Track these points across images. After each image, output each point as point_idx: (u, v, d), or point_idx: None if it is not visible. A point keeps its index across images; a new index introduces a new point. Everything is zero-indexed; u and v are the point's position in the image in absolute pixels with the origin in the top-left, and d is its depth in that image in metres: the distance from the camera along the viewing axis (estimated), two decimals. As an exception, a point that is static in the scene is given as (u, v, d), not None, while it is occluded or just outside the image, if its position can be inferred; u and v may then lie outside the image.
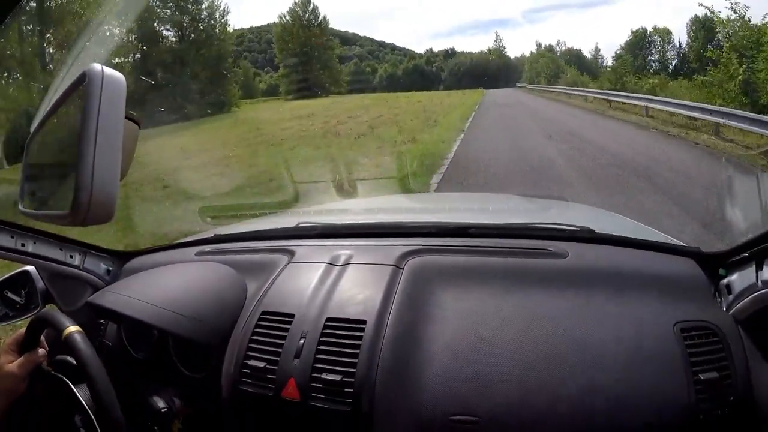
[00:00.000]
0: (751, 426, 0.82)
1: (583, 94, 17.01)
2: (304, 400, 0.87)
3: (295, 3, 27.59)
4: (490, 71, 33.35)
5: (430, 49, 36.96)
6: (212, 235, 1.45)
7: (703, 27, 22.57)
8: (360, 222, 1.45)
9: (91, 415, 0.83)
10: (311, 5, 27.59)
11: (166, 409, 0.96)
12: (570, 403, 0.81)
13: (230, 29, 23.69)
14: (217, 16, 22.68)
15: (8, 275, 1.35)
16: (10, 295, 1.34)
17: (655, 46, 25.05)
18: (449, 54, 35.87)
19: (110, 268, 1.38)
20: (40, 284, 1.32)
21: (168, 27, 21.27)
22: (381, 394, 0.85)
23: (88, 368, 0.81)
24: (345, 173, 6.88)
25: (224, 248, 1.34)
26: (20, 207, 0.74)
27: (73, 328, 0.85)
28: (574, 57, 29.24)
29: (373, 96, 26.23)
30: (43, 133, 0.73)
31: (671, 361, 0.83)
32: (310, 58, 27.75)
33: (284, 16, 28.13)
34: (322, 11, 28.76)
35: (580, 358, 0.84)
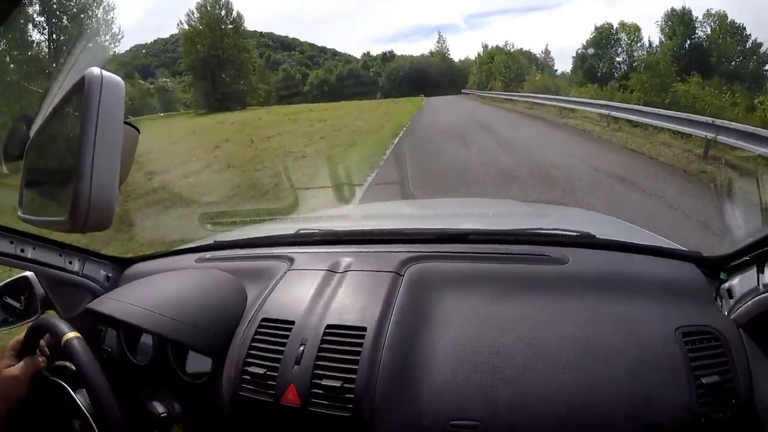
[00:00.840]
0: (752, 429, 0.82)
1: (613, 113, 8.86)
2: (305, 406, 0.87)
3: (204, -4, 23.54)
4: (432, 76, 30.29)
5: (368, 52, 33.87)
6: (212, 242, 1.45)
7: (682, 22, 19.42)
8: (360, 228, 1.45)
9: (90, 419, 0.82)
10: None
11: (165, 415, 0.96)
12: (571, 407, 0.80)
13: (117, 29, 18.09)
14: (99, 13, 17.26)
15: (7, 281, 1.35)
16: (9, 300, 1.34)
17: (620, 45, 21.89)
18: (387, 57, 32.78)
19: (110, 275, 1.38)
20: (39, 290, 1.32)
21: (31, 26, 15.36)
22: (381, 400, 0.85)
23: (86, 374, 0.80)
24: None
25: (224, 255, 1.34)
26: (19, 213, 0.74)
27: (71, 334, 0.85)
28: (526, 58, 25.80)
29: (284, 110, 20.98)
30: (43, 138, 0.73)
31: (673, 365, 0.83)
32: (222, 62, 23.52)
33: (192, 14, 23.90)
34: (236, 6, 24.72)
35: (581, 362, 0.84)
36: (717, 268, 0.99)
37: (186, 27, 23.93)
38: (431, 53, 32.84)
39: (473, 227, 1.25)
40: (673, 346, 0.85)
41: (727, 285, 0.95)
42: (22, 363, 0.89)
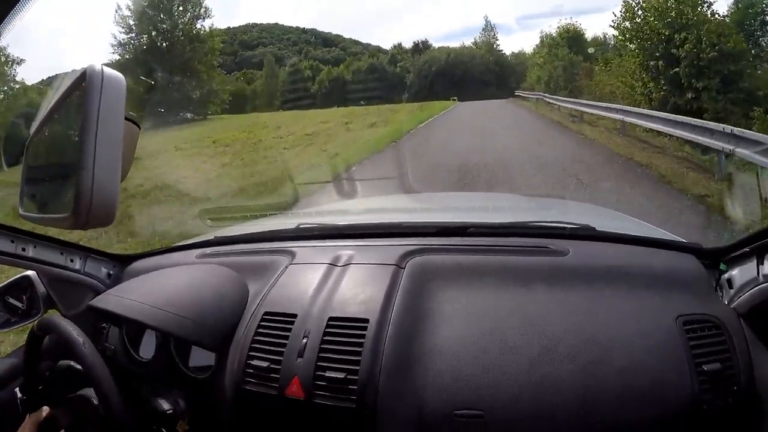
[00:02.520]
0: (753, 416, 0.83)
1: None
2: (309, 398, 0.87)
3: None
4: (474, 72, 23.05)
5: (399, 44, 26.78)
6: (213, 238, 1.45)
7: None
8: (360, 222, 1.45)
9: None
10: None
11: (171, 411, 0.96)
12: (573, 396, 0.81)
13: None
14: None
15: (9, 281, 1.35)
16: (11, 300, 1.34)
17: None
18: (420, 48, 25.45)
19: (111, 272, 1.38)
20: (41, 289, 1.32)
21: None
22: (385, 391, 0.85)
23: (93, 372, 0.81)
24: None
25: (225, 250, 1.34)
26: (20, 211, 0.74)
27: (75, 333, 0.85)
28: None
29: (251, 122, 15.76)
30: (43, 135, 0.72)
31: (674, 353, 0.84)
32: (171, 60, 17.11)
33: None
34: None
35: (582, 353, 0.84)
36: (716, 259, 1.00)
37: (127, 13, 17.28)
38: (475, 44, 24.88)
39: (474, 220, 1.25)
40: (674, 334, 0.86)
41: (726, 275, 0.96)
42: (26, 420, 0.89)
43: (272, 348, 0.96)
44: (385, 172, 6.62)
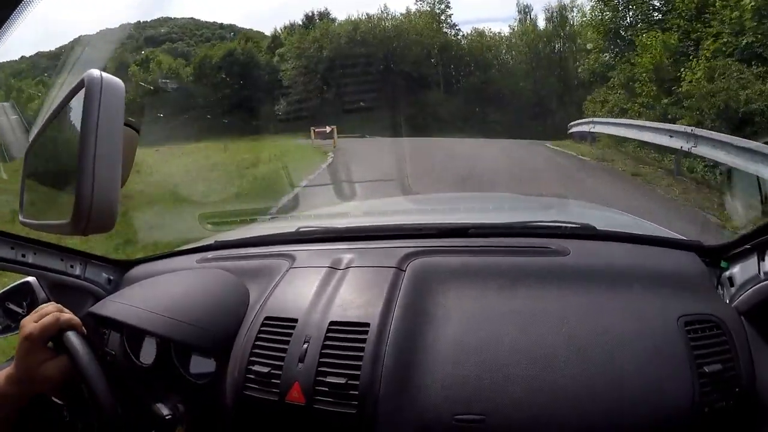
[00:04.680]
0: (755, 417, 0.82)
1: None
2: (309, 403, 0.87)
3: None
4: (404, 61, 12.57)
5: (291, 24, 16.38)
6: (213, 242, 1.45)
7: None
8: (360, 225, 1.45)
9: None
10: None
11: (170, 416, 0.96)
12: (575, 398, 0.80)
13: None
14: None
15: (9, 287, 1.35)
16: (11, 306, 1.34)
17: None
18: (311, 22, 15.33)
19: (111, 277, 1.38)
20: (41, 295, 1.32)
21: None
22: (386, 396, 0.85)
23: (80, 364, 0.79)
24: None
25: (225, 255, 1.34)
26: (20, 217, 0.74)
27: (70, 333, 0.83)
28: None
29: None
30: (43, 141, 0.73)
31: (675, 354, 0.83)
32: None
33: None
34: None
35: (584, 354, 0.84)
36: (717, 256, 0.99)
37: None
38: (408, 13, 14.33)
39: (474, 221, 1.25)
40: (676, 335, 0.85)
41: (728, 273, 0.95)
42: (61, 364, 0.84)
43: (273, 353, 0.95)
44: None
